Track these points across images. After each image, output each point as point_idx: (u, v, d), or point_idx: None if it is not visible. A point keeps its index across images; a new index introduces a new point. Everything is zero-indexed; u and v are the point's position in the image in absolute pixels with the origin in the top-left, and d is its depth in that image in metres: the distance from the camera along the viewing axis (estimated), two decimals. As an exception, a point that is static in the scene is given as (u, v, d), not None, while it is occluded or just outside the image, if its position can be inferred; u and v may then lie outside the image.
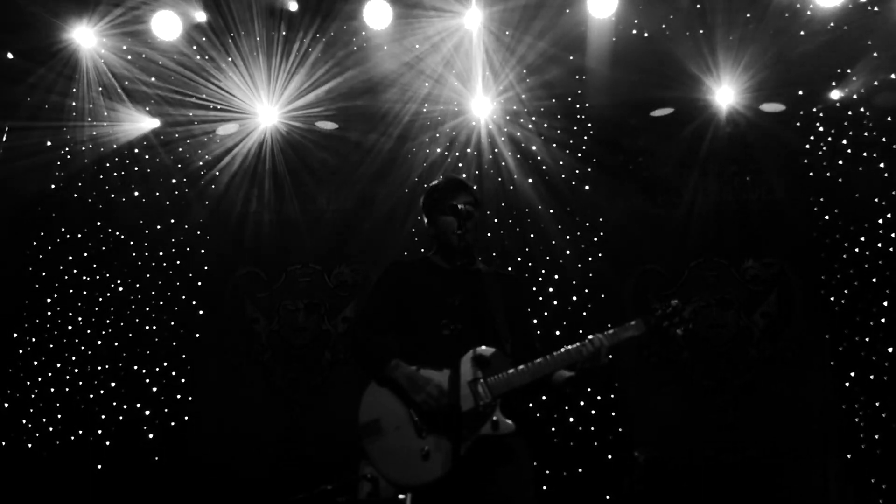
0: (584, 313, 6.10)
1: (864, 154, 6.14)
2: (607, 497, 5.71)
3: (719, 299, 6.17)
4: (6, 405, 6.25)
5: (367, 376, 3.23)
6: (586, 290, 6.18)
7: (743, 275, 6.21)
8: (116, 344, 6.40)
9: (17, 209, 6.64)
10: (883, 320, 5.87)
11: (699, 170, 6.39)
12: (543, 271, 6.21)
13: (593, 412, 5.90)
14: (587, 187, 6.43)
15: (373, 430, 3.09)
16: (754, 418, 5.84)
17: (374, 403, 3.15)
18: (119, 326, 6.44)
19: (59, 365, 6.37)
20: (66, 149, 6.69)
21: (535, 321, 5.67)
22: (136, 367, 6.33)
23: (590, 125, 6.50)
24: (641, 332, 3.21)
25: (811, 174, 6.26)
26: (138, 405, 6.24)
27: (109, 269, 6.57)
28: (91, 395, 6.28)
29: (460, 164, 6.42)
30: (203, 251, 6.61)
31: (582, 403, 5.89)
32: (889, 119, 6.12)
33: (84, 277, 6.57)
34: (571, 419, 5.88)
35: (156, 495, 5.88)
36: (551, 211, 6.38)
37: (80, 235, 6.67)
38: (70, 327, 6.46)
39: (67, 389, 6.31)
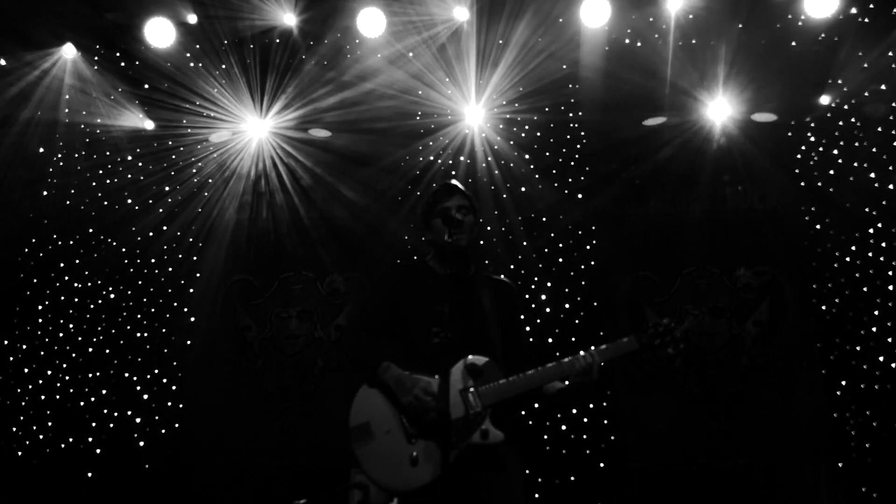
0: (577, 321, 6.10)
1: (855, 164, 6.18)
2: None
3: (711, 307, 6.19)
4: (-4, 412, 6.23)
5: (359, 378, 3.23)
6: (579, 298, 6.20)
7: (735, 283, 6.23)
8: (108, 351, 6.38)
9: (9, 216, 6.61)
10: (874, 329, 5.91)
11: (691, 178, 6.42)
12: (536, 278, 6.22)
13: (585, 420, 5.90)
14: (580, 195, 6.45)
15: (363, 433, 3.08)
16: (746, 426, 5.85)
17: (364, 406, 3.14)
18: (110, 333, 6.43)
19: (49, 372, 6.35)
20: (59, 155, 6.68)
21: (528, 328, 5.68)
22: (127, 375, 6.31)
23: (583, 133, 6.51)
24: (634, 350, 3.21)
25: (802, 183, 6.30)
26: (129, 412, 6.21)
27: (101, 275, 6.55)
28: (82, 403, 6.26)
29: (453, 172, 6.43)
30: (195, 258, 6.59)
31: (574, 411, 5.89)
32: (879, 129, 6.16)
33: (75, 284, 6.54)
34: (564, 427, 5.87)
35: (147, 503, 5.85)
36: (544, 219, 6.41)
37: (71, 242, 6.65)
38: (61, 334, 6.44)
39: (58, 396, 6.29)
